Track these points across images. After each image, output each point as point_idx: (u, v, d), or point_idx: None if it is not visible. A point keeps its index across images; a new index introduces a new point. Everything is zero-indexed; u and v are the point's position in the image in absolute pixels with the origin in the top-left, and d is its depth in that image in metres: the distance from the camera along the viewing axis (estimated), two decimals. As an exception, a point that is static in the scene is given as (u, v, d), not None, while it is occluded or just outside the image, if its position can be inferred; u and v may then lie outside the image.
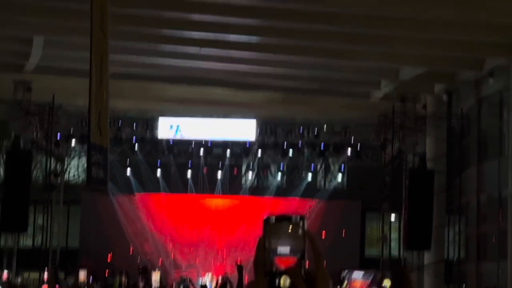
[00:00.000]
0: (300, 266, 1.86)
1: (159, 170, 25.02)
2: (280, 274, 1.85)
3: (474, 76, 21.79)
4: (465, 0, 17.42)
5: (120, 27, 16.24)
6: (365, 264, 25.11)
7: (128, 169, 25.30)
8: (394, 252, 22.31)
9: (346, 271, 22.54)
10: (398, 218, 22.11)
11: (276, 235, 1.88)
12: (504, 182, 19.89)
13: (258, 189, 26.38)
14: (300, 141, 23.89)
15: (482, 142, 23.19)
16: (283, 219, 1.90)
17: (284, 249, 1.87)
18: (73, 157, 24.91)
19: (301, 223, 1.88)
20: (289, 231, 1.88)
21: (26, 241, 21.45)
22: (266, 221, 1.90)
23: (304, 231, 1.87)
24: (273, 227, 1.89)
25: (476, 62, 21.26)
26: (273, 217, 1.90)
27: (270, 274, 1.85)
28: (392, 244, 22.71)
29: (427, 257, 21.51)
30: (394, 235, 22.64)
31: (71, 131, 23.87)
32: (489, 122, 22.76)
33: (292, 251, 1.87)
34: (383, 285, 16.47)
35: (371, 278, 21.69)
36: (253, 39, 19.24)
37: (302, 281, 1.85)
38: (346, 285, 22.12)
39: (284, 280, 1.85)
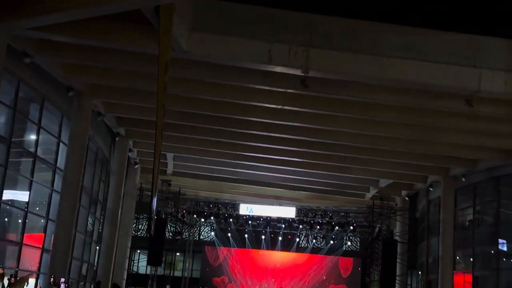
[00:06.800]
0: None
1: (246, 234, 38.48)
2: None
3: (423, 186, 32.20)
4: (417, 140, 24.21)
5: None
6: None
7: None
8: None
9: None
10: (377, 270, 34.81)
11: None
12: (441, 250, 29.45)
13: (301, 248, 39.56)
14: (319, 220, 37.04)
15: (429, 227, 32.87)
16: None
17: None
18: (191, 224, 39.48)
19: None
20: None
21: (160, 271, 35.73)
22: None
23: None
24: None
25: (423, 178, 31.32)
26: None
27: None
28: (374, 286, 35.58)
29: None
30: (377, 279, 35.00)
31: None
32: (433, 215, 32.15)
33: None
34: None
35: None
36: (296, 160, 28.96)
37: None
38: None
39: None
